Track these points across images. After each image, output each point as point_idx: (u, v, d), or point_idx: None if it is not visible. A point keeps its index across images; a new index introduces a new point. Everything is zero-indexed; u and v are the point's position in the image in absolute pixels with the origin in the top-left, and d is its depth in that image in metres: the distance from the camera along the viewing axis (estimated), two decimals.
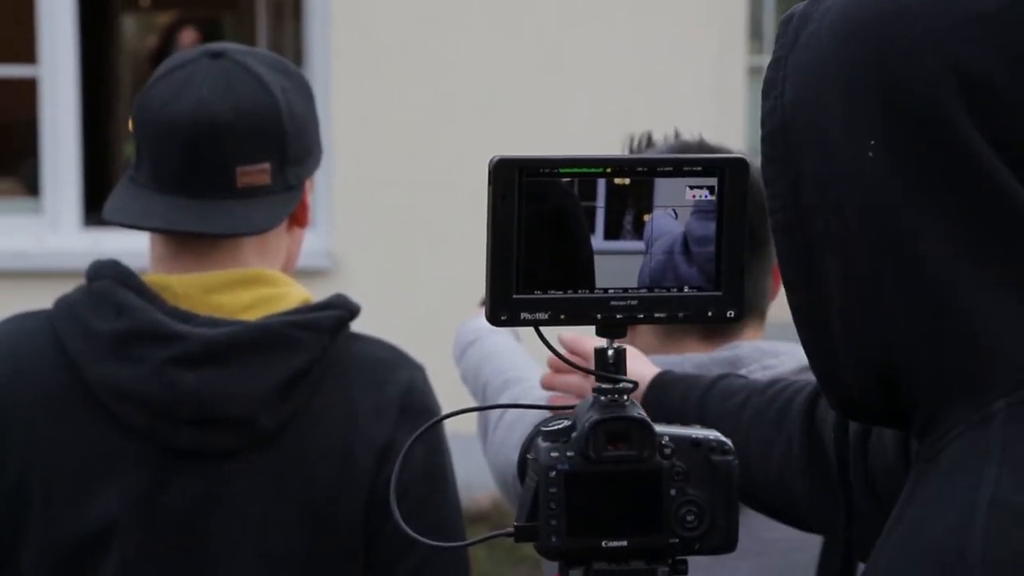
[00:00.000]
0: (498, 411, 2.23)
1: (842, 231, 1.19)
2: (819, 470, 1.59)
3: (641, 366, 1.81)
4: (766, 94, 1.26)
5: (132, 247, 6.66)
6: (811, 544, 2.02)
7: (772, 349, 2.02)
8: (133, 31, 12.55)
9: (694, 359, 2.00)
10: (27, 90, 6.90)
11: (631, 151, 2.16)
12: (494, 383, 2.30)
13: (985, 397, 1.15)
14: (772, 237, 1.28)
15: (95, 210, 7.80)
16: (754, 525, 1.85)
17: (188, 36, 7.77)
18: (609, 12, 6.78)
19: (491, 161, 1.45)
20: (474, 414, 1.93)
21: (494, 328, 2.43)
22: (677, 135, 2.18)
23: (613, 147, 2.11)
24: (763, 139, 1.27)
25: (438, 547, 1.86)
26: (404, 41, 6.61)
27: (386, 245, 6.28)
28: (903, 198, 1.16)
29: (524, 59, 6.74)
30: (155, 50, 8.12)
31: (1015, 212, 1.14)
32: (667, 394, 1.77)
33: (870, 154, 1.17)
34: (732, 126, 6.77)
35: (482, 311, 2.57)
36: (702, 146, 2.13)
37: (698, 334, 2.07)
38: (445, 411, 1.80)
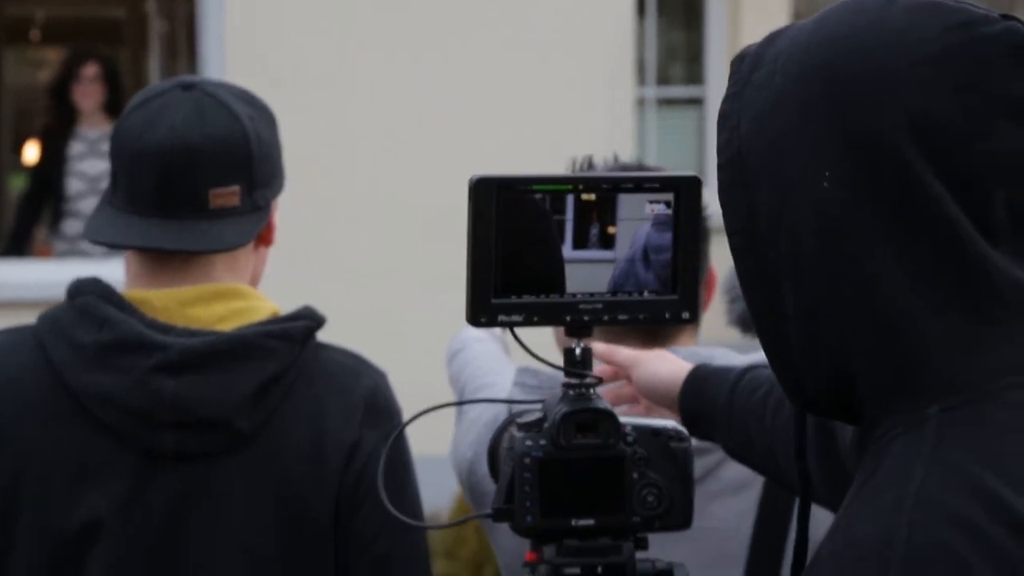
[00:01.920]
0: (462, 412, 2.40)
1: (796, 255, 1.33)
2: (831, 456, 1.72)
3: (677, 364, 1.97)
4: (722, 126, 1.40)
5: (24, 278, 6.73)
6: (742, 534, 2.20)
7: (707, 353, 2.19)
8: (16, 65, 12.57)
9: None
10: None
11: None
12: (470, 387, 2.47)
13: (920, 403, 1.29)
14: (732, 255, 1.43)
15: None
16: None
17: (90, 69, 7.84)
18: (500, 44, 6.96)
19: (471, 180, 1.61)
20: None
21: (480, 338, 2.62)
22: (616, 158, 2.36)
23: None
24: (720, 167, 1.40)
25: (417, 528, 2.05)
26: (299, 78, 6.75)
27: (287, 276, 6.38)
28: (855, 226, 1.29)
29: (422, 94, 6.90)
30: (56, 81, 8.17)
31: (956, 240, 1.28)
32: (703, 386, 1.92)
33: (825, 184, 1.30)
34: (622, 154, 6.97)
35: None
36: (641, 167, 2.31)
37: (639, 339, 2.24)
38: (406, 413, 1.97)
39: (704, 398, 1.92)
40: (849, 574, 1.26)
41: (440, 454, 3.08)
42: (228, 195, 2.11)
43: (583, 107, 6.96)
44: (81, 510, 2.05)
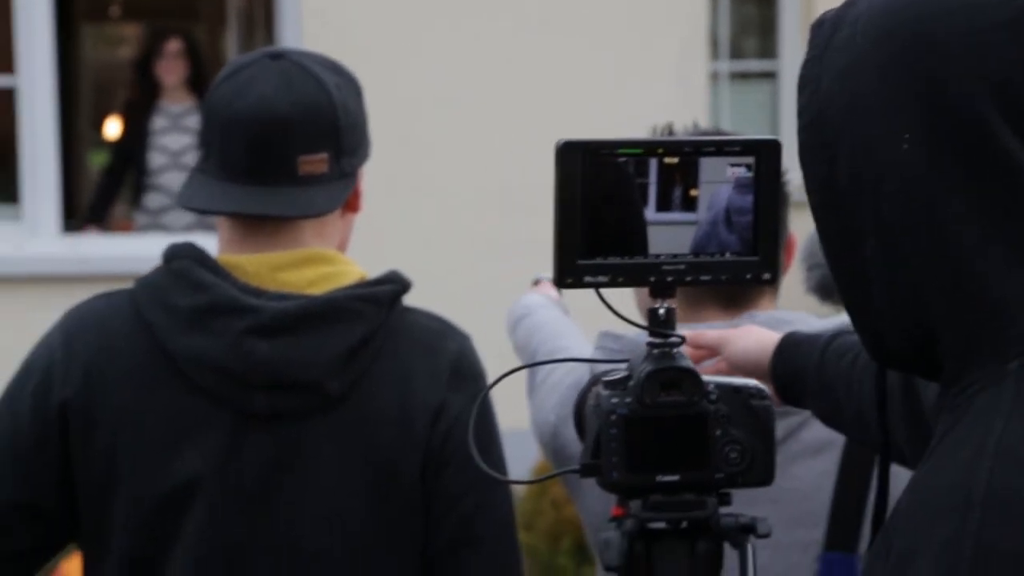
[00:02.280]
0: (541, 375, 2.45)
1: (878, 213, 1.36)
2: (916, 418, 1.74)
3: (765, 336, 2.02)
4: (802, 89, 1.43)
5: (107, 251, 6.82)
6: (823, 494, 2.24)
7: (786, 318, 2.23)
8: (94, 41, 12.72)
9: (715, 327, 2.21)
10: (4, 100, 7.06)
11: None
12: (542, 351, 2.52)
13: (1002, 357, 1.32)
14: (814, 215, 1.47)
15: (70, 216, 7.98)
16: None
17: (173, 45, 7.95)
18: (573, 20, 6.99)
19: (557, 144, 1.65)
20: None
21: (543, 303, 2.66)
22: (696, 125, 2.40)
23: None
24: (800, 128, 1.43)
25: (503, 488, 2.10)
26: (378, 52, 6.81)
27: (362, 250, 6.46)
28: (937, 185, 1.33)
29: (496, 66, 6.94)
30: (140, 57, 8.30)
31: None
32: (794, 355, 1.96)
33: (905, 146, 1.34)
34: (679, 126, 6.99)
35: (535, 290, 2.81)
36: (719, 132, 2.35)
37: (719, 303, 2.28)
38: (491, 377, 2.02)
39: (795, 365, 1.96)
40: (929, 522, 1.29)
41: (515, 428, 3.12)
42: (316, 162, 2.16)
43: (657, 81, 6.98)
44: (178, 469, 2.12)
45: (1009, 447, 1.27)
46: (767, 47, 11.18)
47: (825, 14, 1.46)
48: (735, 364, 2.02)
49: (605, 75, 6.97)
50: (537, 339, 2.59)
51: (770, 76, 11.04)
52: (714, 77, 9.74)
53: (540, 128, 6.87)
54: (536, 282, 2.93)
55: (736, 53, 11.12)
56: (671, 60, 7.02)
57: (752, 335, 2.02)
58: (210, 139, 2.20)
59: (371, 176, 2.31)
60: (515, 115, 6.92)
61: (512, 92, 6.94)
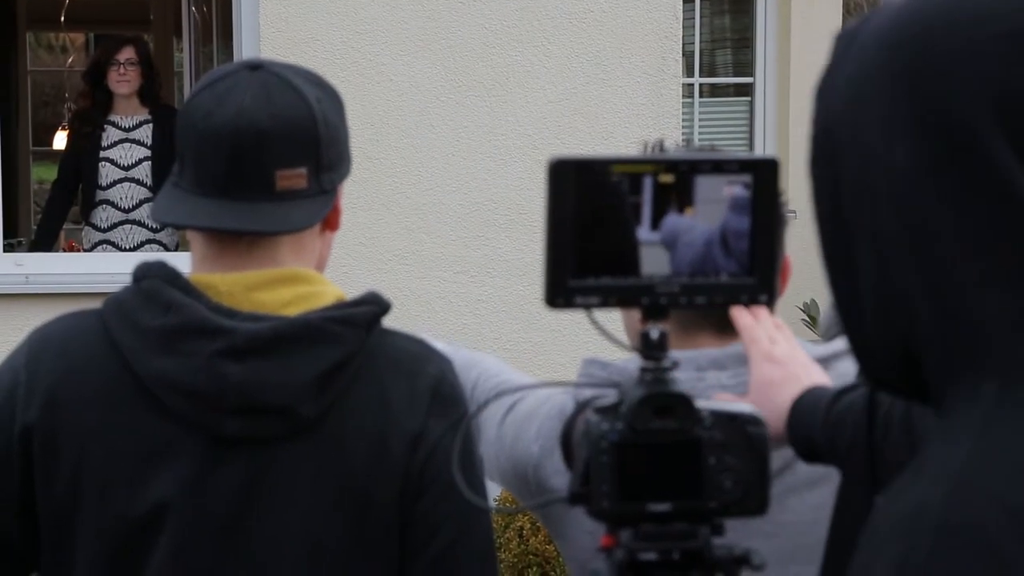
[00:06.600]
0: (503, 408, 2.46)
1: (875, 227, 1.40)
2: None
3: (778, 396, 2.13)
4: (817, 99, 1.48)
5: (51, 267, 6.81)
6: (819, 528, 2.26)
7: None
8: (37, 49, 12.69)
9: (709, 354, 2.23)
10: None
11: None
12: (484, 386, 2.52)
13: (980, 380, 1.35)
14: (816, 226, 1.51)
15: (9, 234, 7.95)
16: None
17: (126, 53, 7.96)
18: (548, 33, 7.03)
19: (549, 161, 1.67)
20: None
21: (454, 343, 2.66)
22: (688, 142, 2.43)
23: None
24: (812, 137, 1.48)
25: (482, 516, 2.11)
26: (339, 64, 6.82)
27: (347, 264, 6.45)
28: (929, 196, 1.37)
29: (460, 76, 6.96)
30: (92, 66, 8.30)
31: None
32: (803, 421, 2.09)
33: (900, 157, 1.38)
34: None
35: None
36: (715, 151, 2.38)
37: (712, 329, 2.30)
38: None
39: (805, 432, 2.07)
40: (882, 545, 1.33)
41: None
42: (295, 177, 2.17)
43: (628, 94, 7.02)
44: (146, 495, 2.13)
45: (968, 474, 1.31)
46: (742, 62, 11.26)
47: (846, 26, 1.51)
48: None
49: (579, 88, 7.00)
50: (473, 375, 2.57)
51: (745, 92, 11.11)
52: (690, 90, 9.79)
53: (513, 142, 6.92)
54: None
55: (710, 69, 11.19)
56: (646, 73, 7.06)
57: (766, 404, 2.05)
58: (185, 151, 2.20)
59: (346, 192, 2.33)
60: (487, 129, 6.95)
61: (483, 105, 6.97)
